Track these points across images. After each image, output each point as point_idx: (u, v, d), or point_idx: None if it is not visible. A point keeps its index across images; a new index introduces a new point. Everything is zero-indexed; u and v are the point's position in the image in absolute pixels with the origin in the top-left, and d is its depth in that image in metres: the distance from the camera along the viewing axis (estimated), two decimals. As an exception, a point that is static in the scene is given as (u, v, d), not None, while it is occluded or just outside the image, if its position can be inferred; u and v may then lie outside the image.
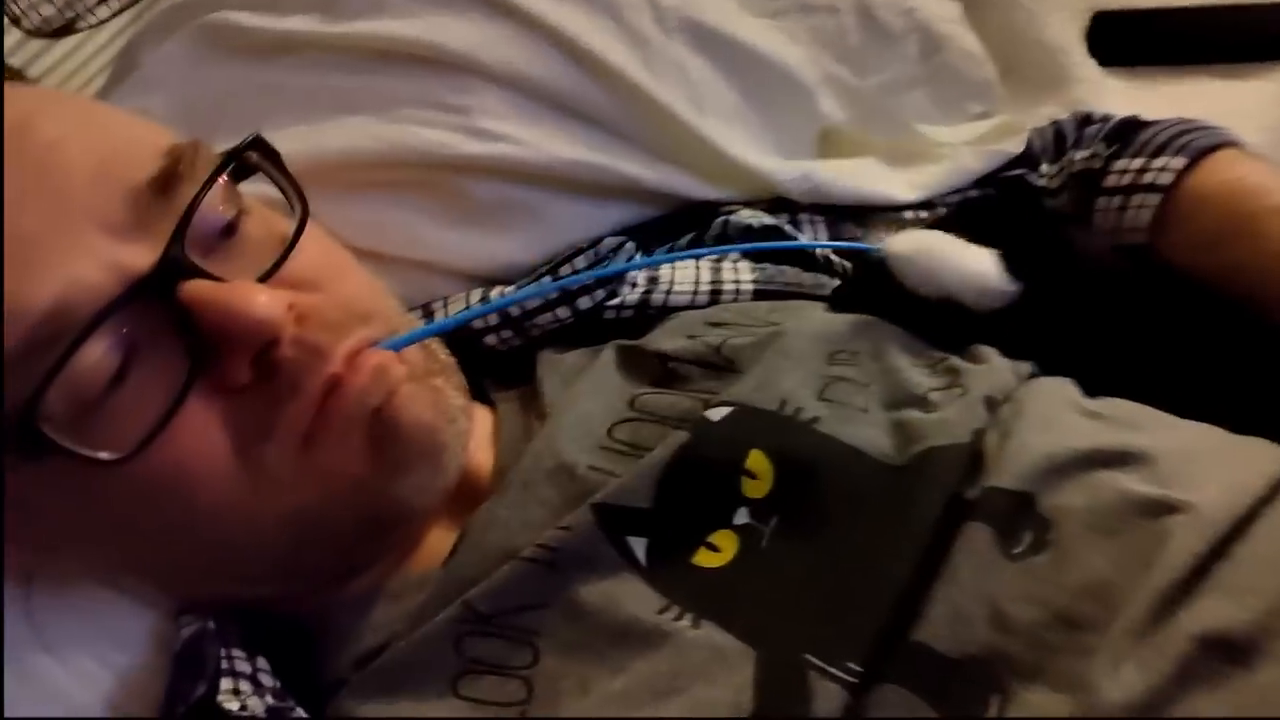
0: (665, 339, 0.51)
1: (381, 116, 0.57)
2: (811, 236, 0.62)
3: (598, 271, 0.53)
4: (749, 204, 0.62)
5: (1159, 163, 0.58)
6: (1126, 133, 0.62)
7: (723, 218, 0.59)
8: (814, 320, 0.50)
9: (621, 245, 0.55)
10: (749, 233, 0.59)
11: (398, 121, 0.57)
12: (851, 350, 0.48)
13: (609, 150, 0.59)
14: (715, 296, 0.55)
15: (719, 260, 0.57)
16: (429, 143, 0.56)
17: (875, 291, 0.52)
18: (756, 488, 0.42)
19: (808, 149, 0.69)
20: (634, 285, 0.54)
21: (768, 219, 0.60)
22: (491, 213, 0.59)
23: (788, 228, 0.60)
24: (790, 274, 0.57)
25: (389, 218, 0.57)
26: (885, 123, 0.70)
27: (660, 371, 0.49)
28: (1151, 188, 0.57)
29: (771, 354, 0.47)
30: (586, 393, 0.48)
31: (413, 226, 0.57)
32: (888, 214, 0.64)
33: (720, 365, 0.48)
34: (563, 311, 0.54)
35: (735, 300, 0.55)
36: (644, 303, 0.54)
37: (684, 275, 0.56)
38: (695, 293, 0.55)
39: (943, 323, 0.49)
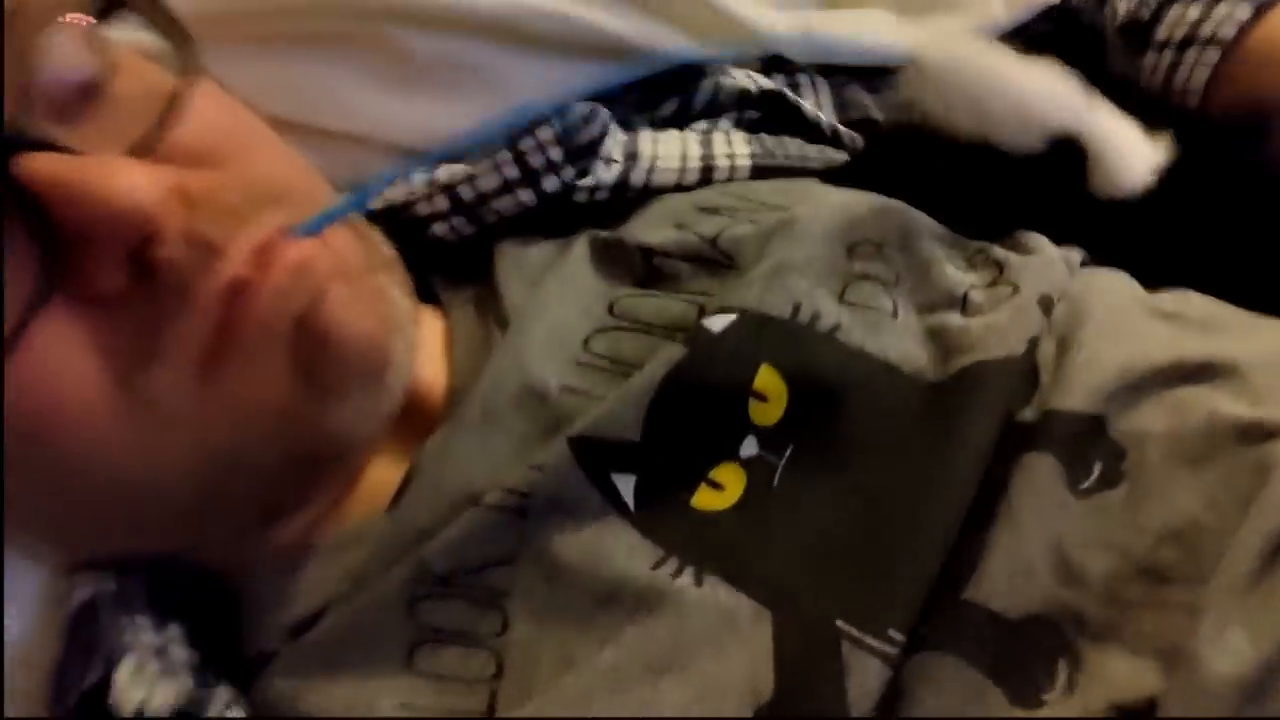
0: (649, 228, 0.42)
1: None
2: (814, 102, 0.53)
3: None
4: (739, 66, 0.52)
5: (1220, 10, 0.49)
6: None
7: (712, 79, 0.50)
8: (828, 203, 0.41)
9: (593, 114, 0.46)
10: (745, 98, 0.50)
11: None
12: (875, 241, 0.40)
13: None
14: (707, 175, 0.46)
15: (709, 131, 0.48)
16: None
17: (893, 163, 0.44)
18: (766, 412, 0.35)
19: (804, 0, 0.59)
20: (609, 162, 0.45)
21: (766, 82, 0.51)
22: (436, 73, 0.49)
23: (788, 93, 0.51)
24: (793, 147, 0.48)
25: (309, 79, 0.47)
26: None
27: (644, 269, 0.41)
28: (1211, 41, 0.49)
29: (780, 246, 0.39)
30: (556, 294, 0.40)
31: (340, 90, 0.48)
32: (898, 76, 0.55)
33: (717, 261, 0.40)
34: (525, 194, 0.45)
35: (730, 180, 0.46)
36: (622, 183, 0.45)
37: (669, 150, 0.47)
38: (683, 170, 0.46)
39: (977, 199, 0.42)
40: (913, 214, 0.42)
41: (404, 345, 0.37)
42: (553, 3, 0.49)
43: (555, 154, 0.44)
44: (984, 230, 0.43)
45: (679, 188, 0.46)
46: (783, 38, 0.53)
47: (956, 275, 0.39)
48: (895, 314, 0.37)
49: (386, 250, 0.40)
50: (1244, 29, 0.47)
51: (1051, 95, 0.39)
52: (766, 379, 0.35)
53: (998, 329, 0.36)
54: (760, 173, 0.47)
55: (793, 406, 0.35)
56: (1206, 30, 0.48)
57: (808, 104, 0.51)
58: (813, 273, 0.38)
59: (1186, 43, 0.49)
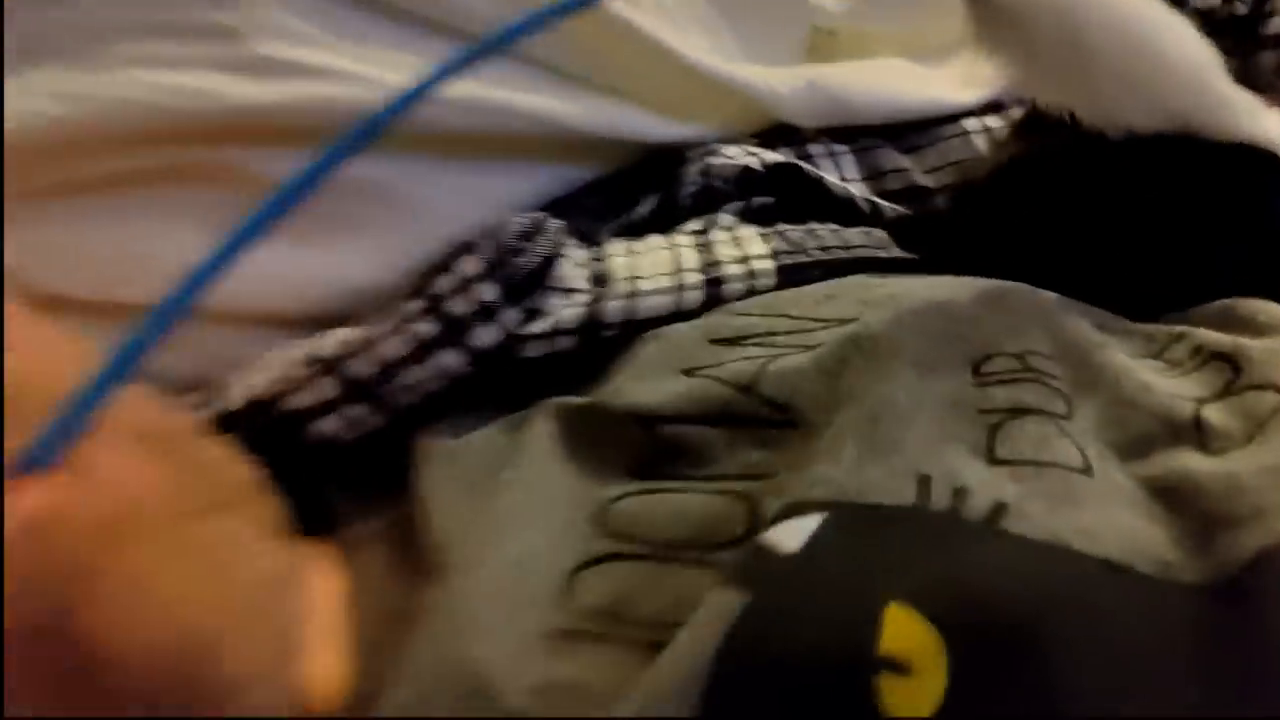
0: (644, 383, 0.27)
1: (89, 62, 0.32)
2: (837, 175, 0.39)
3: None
4: (732, 141, 0.39)
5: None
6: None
7: (700, 163, 0.36)
8: (915, 300, 0.27)
9: (537, 227, 0.32)
10: (749, 179, 0.36)
11: (117, 67, 0.32)
12: (1012, 350, 0.25)
13: (501, 76, 0.36)
14: (714, 293, 0.31)
15: (706, 231, 0.34)
16: (175, 94, 0.32)
17: (977, 231, 0.30)
18: (912, 695, 0.19)
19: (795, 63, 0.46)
20: (570, 293, 0.31)
21: (771, 155, 0.36)
22: (318, 207, 0.35)
23: (803, 164, 0.37)
24: (827, 235, 0.34)
25: (128, 237, 0.33)
26: (900, 7, 0.47)
27: (646, 447, 0.26)
28: None
29: (863, 379, 0.24)
30: (513, 510, 0.25)
31: (169, 247, 0.33)
32: (940, 130, 0.42)
33: (763, 418, 0.25)
34: (451, 357, 0.30)
35: (750, 293, 0.31)
36: (592, 322, 0.30)
37: (654, 264, 0.32)
38: (679, 290, 0.31)
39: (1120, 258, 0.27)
40: (1047, 296, 0.27)
41: (265, 649, 0.21)
42: (469, 86, 0.35)
43: (488, 292, 0.30)
44: (1146, 305, 0.28)
45: (677, 316, 0.31)
46: (784, 96, 0.39)
47: (1167, 385, 0.23)
48: (1088, 468, 0.22)
49: (236, 471, 0.25)
50: None
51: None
52: (900, 629, 0.19)
53: (1271, 471, 0.20)
54: (791, 276, 0.32)
55: (959, 675, 0.19)
56: None
57: (831, 176, 0.37)
58: (932, 417, 0.23)
59: None
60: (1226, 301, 0.26)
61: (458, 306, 0.30)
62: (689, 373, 0.28)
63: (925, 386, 0.24)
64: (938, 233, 0.34)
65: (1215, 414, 0.23)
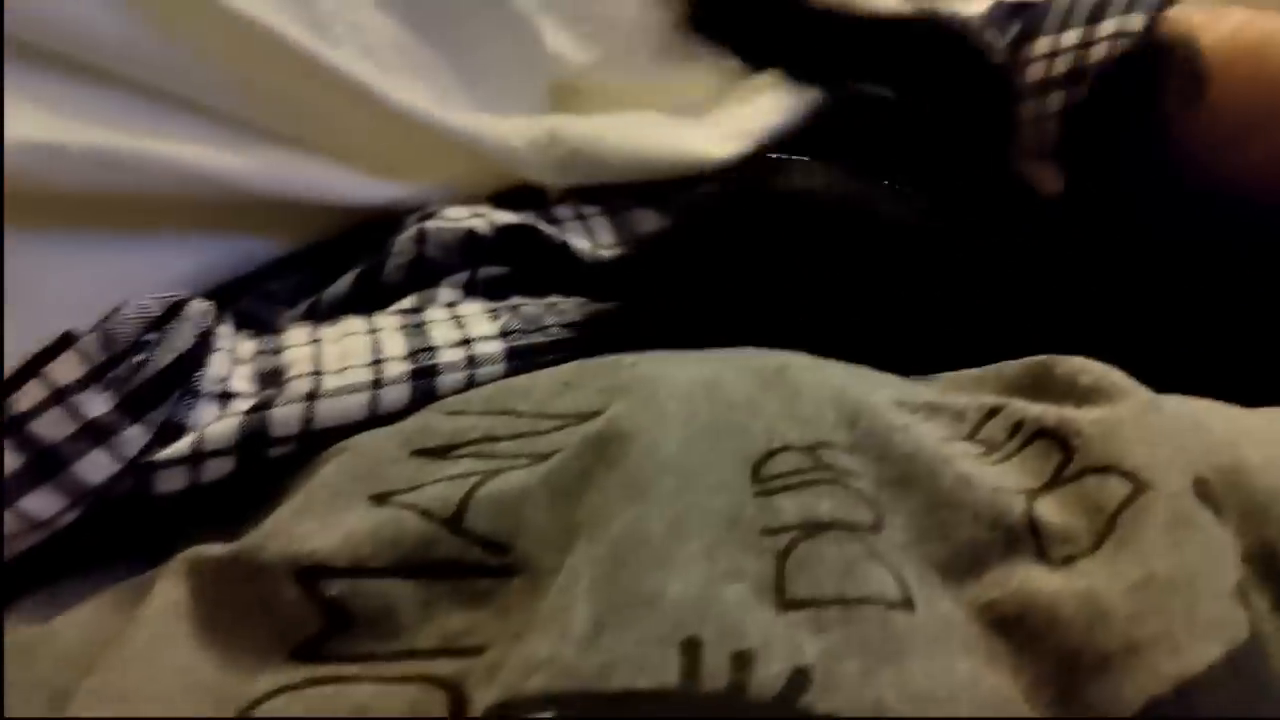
0: (310, 520, 0.20)
1: None
2: (586, 241, 0.33)
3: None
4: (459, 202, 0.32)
5: (1106, 28, 0.36)
6: (1020, 9, 0.40)
7: (413, 229, 0.29)
8: (676, 385, 0.21)
9: (178, 314, 0.24)
10: (474, 246, 0.29)
11: None
12: (800, 442, 0.19)
13: (143, 121, 0.27)
14: (424, 384, 0.24)
15: (419, 310, 0.27)
16: None
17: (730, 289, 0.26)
18: None
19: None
20: (223, 399, 0.23)
21: (505, 216, 0.30)
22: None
23: (543, 226, 0.31)
24: (571, 309, 0.28)
25: None
26: (651, 58, 0.43)
27: (310, 615, 0.18)
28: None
29: (608, 500, 0.17)
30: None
31: None
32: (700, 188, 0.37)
33: (475, 565, 0.18)
34: (42, 501, 0.21)
35: (471, 384, 0.24)
36: (251, 435, 0.22)
37: (346, 354, 0.25)
38: (376, 388, 0.24)
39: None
40: (834, 368, 0.22)
41: None
42: (107, 136, 0.27)
43: (95, 405, 0.21)
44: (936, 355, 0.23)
45: (375, 421, 0.23)
46: (519, 151, 0.33)
47: (989, 476, 0.18)
48: (908, 600, 0.16)
49: None
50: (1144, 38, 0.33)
51: None
52: None
53: (1157, 589, 0.15)
54: (525, 361, 0.25)
55: None
56: (1098, 53, 0.34)
57: (580, 242, 0.31)
58: (701, 547, 0.16)
59: (1075, 76, 0.34)
60: (1039, 360, 0.22)
61: (50, 428, 0.21)
62: (380, 500, 0.20)
63: (691, 502, 0.17)
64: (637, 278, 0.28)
65: (1051, 509, 0.17)
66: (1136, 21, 0.35)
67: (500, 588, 0.18)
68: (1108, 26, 0.37)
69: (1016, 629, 0.16)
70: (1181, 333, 0.29)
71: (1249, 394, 0.22)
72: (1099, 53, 0.36)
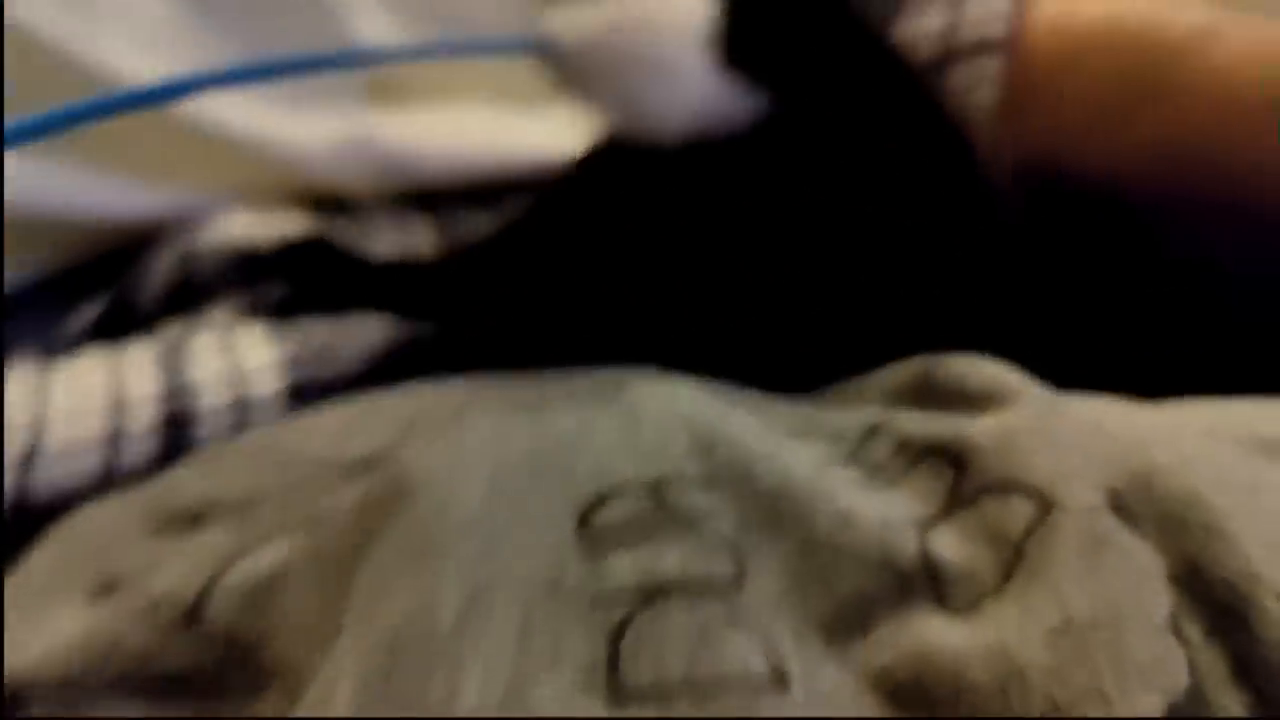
0: (21, 636, 0.15)
1: None
2: (403, 241, 0.29)
3: None
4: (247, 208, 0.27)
5: (973, 12, 0.33)
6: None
7: (179, 245, 0.24)
8: (479, 412, 0.16)
9: None
10: (250, 262, 0.24)
11: None
12: (639, 478, 0.15)
13: None
14: (178, 434, 0.19)
15: (182, 337, 0.22)
16: None
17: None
18: None
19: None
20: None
21: (293, 225, 0.25)
22: None
23: (346, 237, 0.26)
24: (373, 328, 0.23)
25: None
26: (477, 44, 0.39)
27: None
28: (979, 48, 0.32)
29: (391, 573, 0.13)
30: None
31: None
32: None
33: (217, 674, 0.13)
34: None
35: (241, 428, 0.20)
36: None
37: (76, 395, 0.20)
38: (115, 438, 0.19)
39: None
40: (680, 386, 0.18)
41: None
42: None
43: None
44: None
45: (109, 485, 0.18)
46: (318, 155, 0.28)
47: (874, 507, 0.15)
48: (781, 676, 0.12)
49: None
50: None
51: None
52: None
53: (1077, 633, 0.12)
54: (310, 396, 0.20)
55: None
56: (966, 36, 0.32)
57: (389, 246, 0.27)
58: (509, 626, 0.12)
59: (945, 62, 0.32)
60: (918, 362, 0.18)
61: None
62: (105, 591, 0.15)
63: (495, 571, 0.13)
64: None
65: (948, 542, 0.14)
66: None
67: (249, 705, 0.14)
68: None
69: (918, 699, 0.13)
70: (1064, 327, 0.26)
71: (1141, 389, 0.20)
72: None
